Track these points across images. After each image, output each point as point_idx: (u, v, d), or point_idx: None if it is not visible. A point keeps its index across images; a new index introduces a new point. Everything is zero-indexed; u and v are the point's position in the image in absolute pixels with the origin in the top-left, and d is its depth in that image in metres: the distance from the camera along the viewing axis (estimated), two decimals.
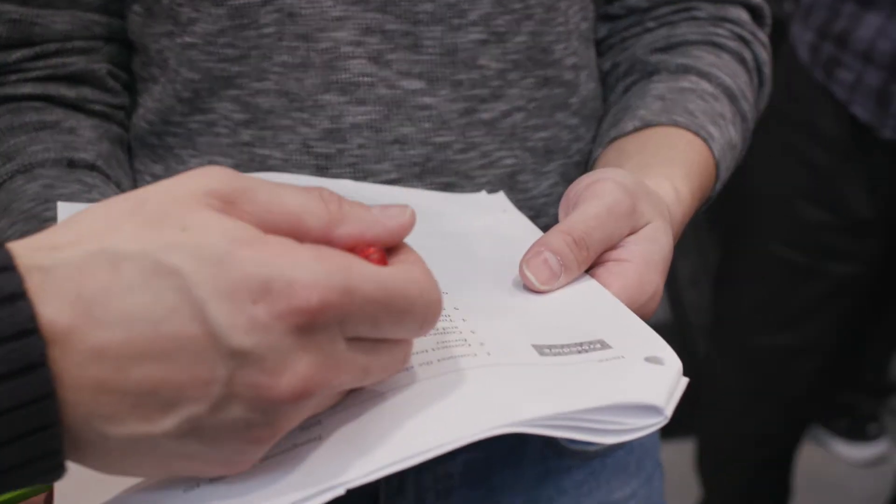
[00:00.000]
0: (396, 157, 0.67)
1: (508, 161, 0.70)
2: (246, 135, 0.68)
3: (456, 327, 0.48)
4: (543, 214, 0.71)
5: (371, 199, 0.63)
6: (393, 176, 0.67)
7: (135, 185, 0.72)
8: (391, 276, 0.38)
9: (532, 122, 0.70)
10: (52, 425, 0.34)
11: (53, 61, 0.70)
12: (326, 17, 0.65)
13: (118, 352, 0.34)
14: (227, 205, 0.37)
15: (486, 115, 0.68)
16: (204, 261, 0.34)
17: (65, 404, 0.34)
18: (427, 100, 0.67)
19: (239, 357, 0.34)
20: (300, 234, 0.38)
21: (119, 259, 0.34)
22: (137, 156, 0.73)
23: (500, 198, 0.68)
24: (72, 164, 0.68)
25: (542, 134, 0.71)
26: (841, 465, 2.28)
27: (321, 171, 0.67)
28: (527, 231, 0.62)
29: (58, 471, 0.35)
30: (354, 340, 0.37)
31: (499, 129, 0.69)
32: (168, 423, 0.35)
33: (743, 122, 0.73)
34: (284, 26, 0.66)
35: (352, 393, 0.43)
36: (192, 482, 0.40)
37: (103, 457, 0.36)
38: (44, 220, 0.64)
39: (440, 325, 0.47)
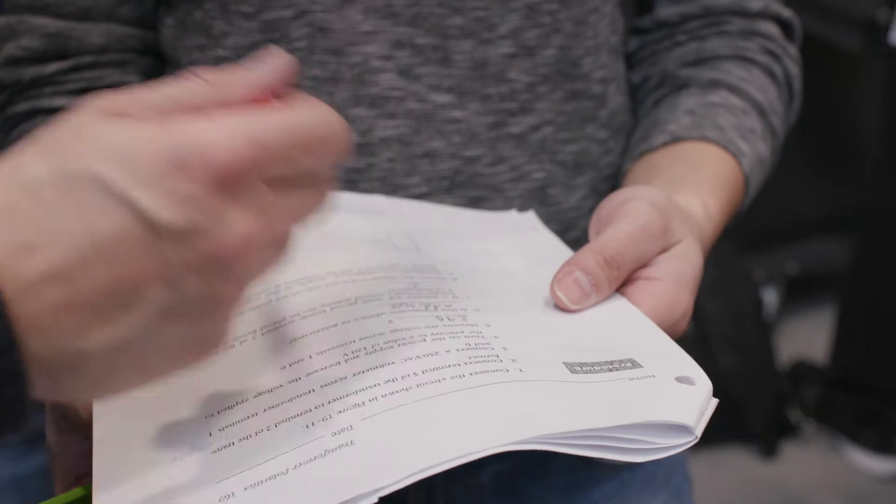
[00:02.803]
0: (426, 170, 0.67)
1: (538, 175, 0.70)
2: None
3: (488, 344, 0.48)
4: (573, 228, 0.71)
5: (404, 215, 0.64)
6: (422, 189, 0.68)
7: None
8: (291, 114, 0.38)
9: (561, 136, 0.70)
10: (11, 346, 0.34)
11: (88, 74, 0.71)
12: (356, 31, 0.66)
13: (63, 269, 0.34)
14: (115, 115, 0.37)
15: (515, 129, 0.69)
16: (112, 157, 0.35)
17: (30, 337, 0.34)
18: (456, 113, 0.67)
19: (178, 233, 0.35)
20: (194, 113, 0.39)
21: (33, 186, 0.35)
22: None
23: (531, 217, 0.68)
24: None
25: (572, 147, 0.71)
26: (867, 479, 2.26)
27: (350, 184, 0.67)
28: (557, 250, 0.62)
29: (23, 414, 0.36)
30: (279, 186, 0.38)
31: (528, 142, 0.69)
32: (136, 318, 0.36)
33: (773, 137, 0.73)
34: (315, 40, 0.66)
35: (384, 398, 0.43)
36: (227, 493, 0.40)
37: (84, 379, 0.37)
38: None
39: (472, 340, 0.48)
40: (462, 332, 0.49)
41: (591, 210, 0.71)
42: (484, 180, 0.68)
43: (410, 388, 0.44)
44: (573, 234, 0.71)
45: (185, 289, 0.36)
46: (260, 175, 0.37)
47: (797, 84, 0.77)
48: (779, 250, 2.49)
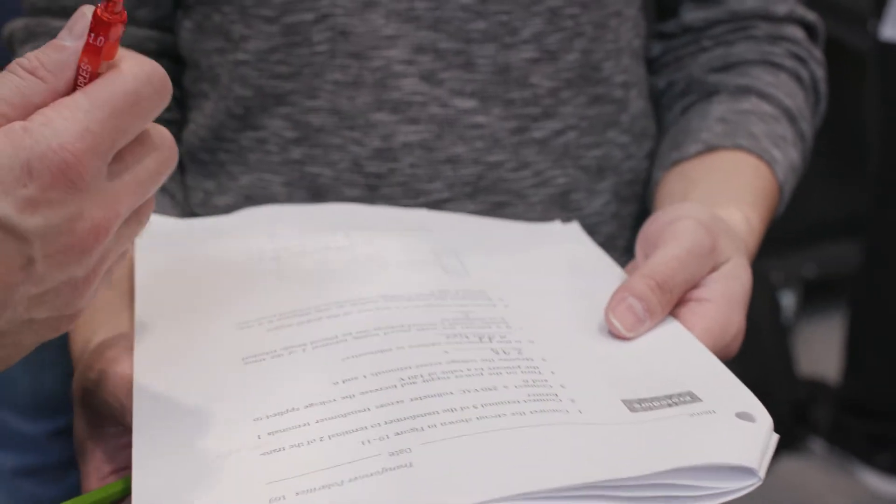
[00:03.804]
0: (448, 176, 0.67)
1: (561, 180, 0.69)
2: (296, 152, 0.67)
3: (545, 381, 0.48)
4: (595, 233, 0.70)
5: (449, 230, 0.63)
6: (444, 195, 0.67)
7: (186, 200, 0.72)
8: (112, 87, 0.40)
9: (584, 141, 0.70)
10: None
11: None
12: (378, 35, 0.65)
13: None
14: None
15: (538, 134, 0.68)
16: None
17: None
18: (479, 119, 0.67)
19: (37, 234, 0.38)
20: (28, 110, 0.40)
21: None
22: (189, 171, 0.73)
23: (575, 228, 0.68)
24: None
25: (595, 152, 0.70)
26: (880, 501, 2.24)
27: (372, 189, 0.67)
28: (604, 266, 0.62)
29: None
30: (116, 162, 0.41)
31: (551, 147, 0.68)
32: (9, 314, 0.40)
33: (802, 143, 0.73)
34: (337, 44, 0.66)
35: (444, 427, 0.44)
36: (278, 495, 0.41)
37: None
38: None
39: (529, 377, 0.48)
40: (519, 366, 0.49)
41: (613, 216, 0.70)
42: (506, 185, 0.68)
43: (471, 419, 0.45)
44: (596, 239, 0.70)
45: (49, 281, 0.40)
46: (101, 159, 0.39)
47: (823, 87, 0.76)
48: (796, 253, 2.47)
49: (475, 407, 0.45)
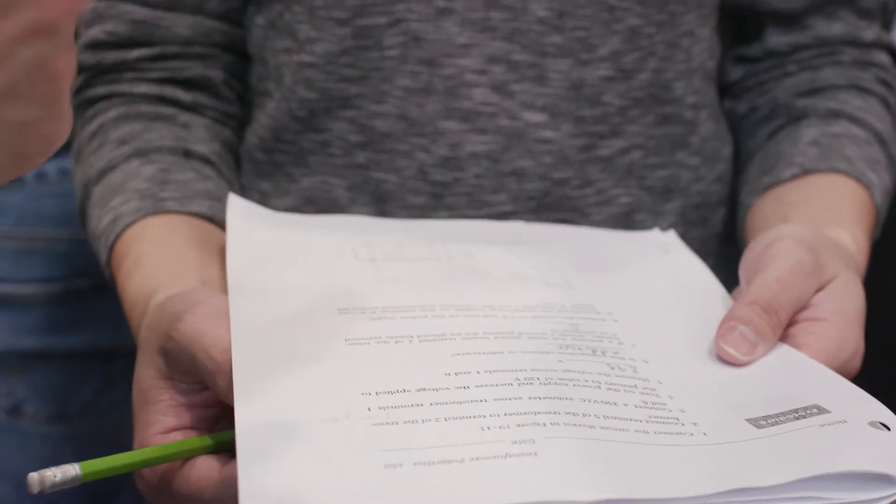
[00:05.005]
0: (513, 189, 0.66)
1: (624, 199, 0.68)
2: (361, 157, 0.67)
3: (664, 404, 0.47)
4: None
5: (548, 243, 0.62)
6: (508, 209, 0.66)
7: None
8: None
9: (651, 161, 0.69)
10: None
11: (172, 64, 0.70)
12: (452, 43, 0.64)
13: None
14: None
15: (603, 152, 0.67)
16: None
17: None
18: (548, 133, 0.66)
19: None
20: None
21: None
22: (244, 170, 0.73)
23: (672, 237, 0.66)
24: (187, 155, 0.68)
25: (661, 173, 0.69)
26: None
27: (436, 198, 0.66)
28: (705, 279, 0.60)
29: None
30: None
31: (616, 166, 0.67)
32: None
33: (893, 167, 0.71)
34: (409, 50, 0.65)
35: (567, 427, 0.42)
36: (395, 462, 0.40)
37: None
38: (159, 199, 0.64)
39: (648, 399, 0.47)
40: (636, 386, 0.48)
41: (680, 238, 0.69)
42: (570, 203, 0.67)
43: (595, 426, 0.43)
44: None
45: (17, 62, 0.34)
46: None
47: None
48: None
49: (597, 416, 0.44)
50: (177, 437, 0.50)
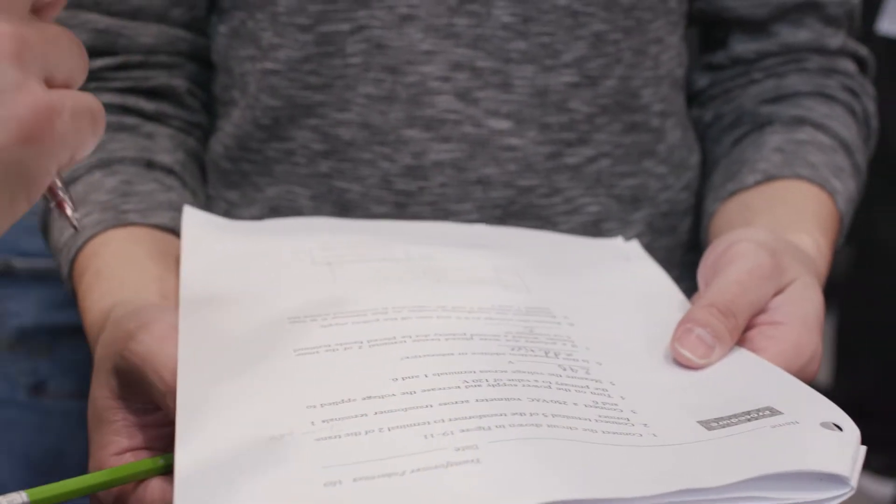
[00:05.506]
0: (478, 198, 0.65)
1: (593, 208, 0.68)
2: (324, 166, 0.66)
3: (615, 405, 0.46)
4: None
5: (508, 246, 0.61)
6: (473, 217, 0.65)
7: (208, 209, 0.71)
8: None
9: (619, 169, 0.68)
10: None
11: (135, 73, 0.69)
12: (415, 50, 0.64)
13: None
14: None
15: (571, 160, 0.66)
16: None
17: None
18: (513, 141, 0.65)
19: None
20: None
21: None
22: (210, 180, 0.72)
23: (635, 246, 0.66)
24: (150, 165, 0.67)
25: (630, 181, 0.69)
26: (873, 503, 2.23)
27: (400, 207, 0.65)
28: (666, 287, 0.60)
29: None
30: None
31: (584, 174, 0.67)
32: None
33: (858, 175, 0.71)
34: (371, 57, 0.64)
35: (513, 428, 0.42)
36: (334, 480, 0.39)
37: None
38: (121, 211, 0.63)
39: (599, 399, 0.46)
40: (587, 386, 0.47)
41: (647, 247, 0.69)
42: (537, 211, 0.66)
43: (541, 425, 0.43)
44: None
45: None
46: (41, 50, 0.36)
47: (874, 122, 0.75)
48: None
49: (545, 415, 0.43)
50: (131, 457, 0.49)
